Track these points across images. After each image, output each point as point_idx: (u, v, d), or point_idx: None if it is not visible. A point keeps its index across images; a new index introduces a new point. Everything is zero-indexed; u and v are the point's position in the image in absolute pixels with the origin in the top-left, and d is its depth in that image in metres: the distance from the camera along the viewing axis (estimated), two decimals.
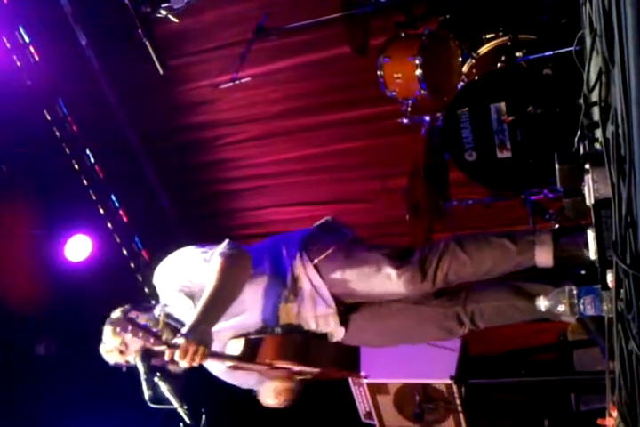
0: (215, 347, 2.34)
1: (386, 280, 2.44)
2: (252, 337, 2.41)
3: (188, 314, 2.43)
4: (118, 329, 2.40)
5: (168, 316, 2.46)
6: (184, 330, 2.20)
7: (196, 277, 2.42)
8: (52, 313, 4.29)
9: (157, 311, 2.51)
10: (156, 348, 2.22)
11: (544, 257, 2.38)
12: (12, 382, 3.98)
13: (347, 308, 2.58)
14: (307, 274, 2.49)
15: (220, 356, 2.41)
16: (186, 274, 2.45)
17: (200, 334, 2.19)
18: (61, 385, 4.10)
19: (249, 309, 2.47)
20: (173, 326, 2.45)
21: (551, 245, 2.37)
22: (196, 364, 2.17)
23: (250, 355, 2.37)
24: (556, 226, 3.46)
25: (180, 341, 2.15)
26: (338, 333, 2.58)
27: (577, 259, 2.36)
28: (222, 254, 2.38)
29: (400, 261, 2.46)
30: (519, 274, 2.51)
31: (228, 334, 2.47)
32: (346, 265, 2.49)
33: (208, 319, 2.26)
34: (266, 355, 2.39)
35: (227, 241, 2.46)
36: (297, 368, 2.51)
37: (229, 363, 2.42)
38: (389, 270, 2.44)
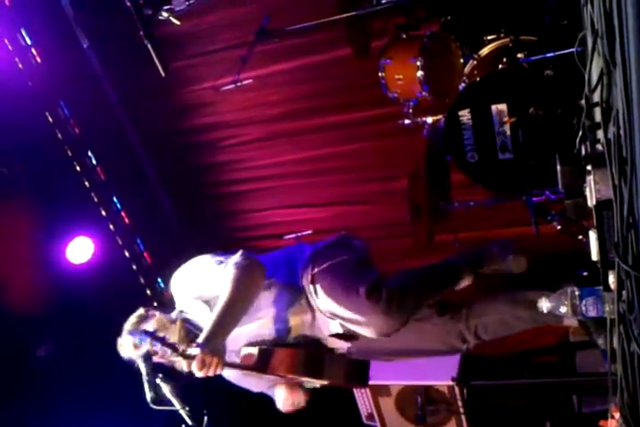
0: (229, 353, 2.38)
1: (358, 308, 2.41)
2: (265, 347, 2.42)
3: (205, 318, 2.47)
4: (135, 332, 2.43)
5: (185, 321, 2.52)
6: (199, 340, 2.24)
7: (212, 287, 2.46)
8: (53, 315, 4.29)
9: (174, 317, 2.56)
10: (173, 358, 2.23)
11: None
12: (12, 384, 3.98)
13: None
14: (314, 288, 2.51)
15: (234, 366, 2.44)
16: (202, 284, 2.50)
17: (214, 345, 2.23)
18: (62, 387, 4.10)
19: (263, 317, 2.51)
20: (192, 332, 2.47)
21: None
22: (211, 374, 2.21)
23: (262, 366, 2.39)
24: (558, 227, 3.46)
25: (195, 351, 2.19)
26: (341, 347, 2.61)
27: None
28: (236, 265, 2.42)
29: (375, 292, 2.40)
30: (516, 282, 2.52)
31: (242, 341, 2.49)
32: (328, 286, 2.49)
33: (222, 331, 2.30)
34: (278, 367, 2.40)
35: (240, 251, 2.50)
36: (307, 380, 2.52)
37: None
38: (361, 301, 2.40)
